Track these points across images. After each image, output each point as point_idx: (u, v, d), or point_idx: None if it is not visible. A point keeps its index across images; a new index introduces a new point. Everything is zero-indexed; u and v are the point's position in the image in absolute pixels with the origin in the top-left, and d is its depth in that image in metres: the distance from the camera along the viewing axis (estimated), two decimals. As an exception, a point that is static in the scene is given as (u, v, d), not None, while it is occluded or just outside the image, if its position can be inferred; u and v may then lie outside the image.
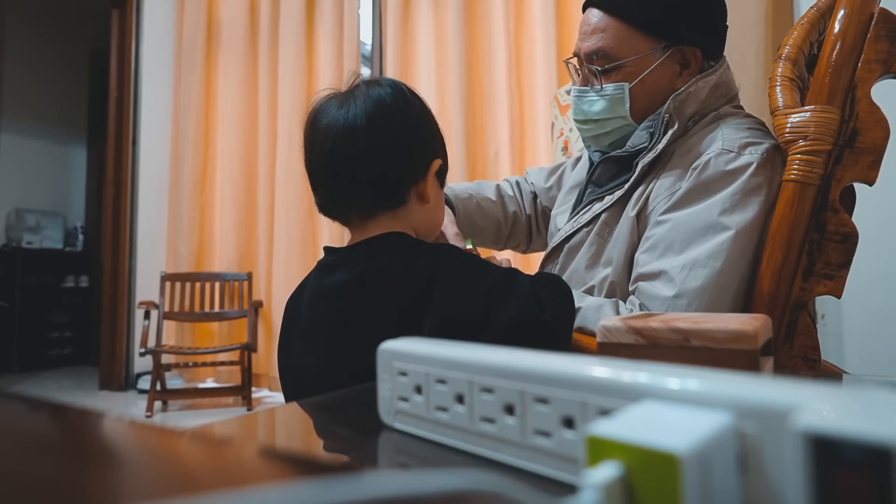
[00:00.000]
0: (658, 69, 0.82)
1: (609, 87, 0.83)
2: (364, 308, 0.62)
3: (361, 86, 0.67)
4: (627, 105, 0.83)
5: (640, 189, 0.81)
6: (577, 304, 0.75)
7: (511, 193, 1.11)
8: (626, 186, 0.81)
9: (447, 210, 0.87)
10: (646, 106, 0.83)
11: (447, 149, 0.72)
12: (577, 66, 0.88)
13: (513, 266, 0.73)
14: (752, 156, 0.74)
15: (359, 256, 0.66)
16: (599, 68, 0.83)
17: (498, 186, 1.10)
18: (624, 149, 0.85)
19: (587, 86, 0.86)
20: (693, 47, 0.82)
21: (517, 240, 1.11)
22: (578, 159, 1.06)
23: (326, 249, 0.69)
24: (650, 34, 0.81)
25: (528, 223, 1.11)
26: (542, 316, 0.58)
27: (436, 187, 0.70)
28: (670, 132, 0.80)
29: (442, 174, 0.71)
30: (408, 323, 0.58)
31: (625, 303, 0.75)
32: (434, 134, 0.70)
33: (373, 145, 0.64)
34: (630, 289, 0.77)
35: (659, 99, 0.82)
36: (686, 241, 0.72)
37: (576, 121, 0.89)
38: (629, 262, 0.79)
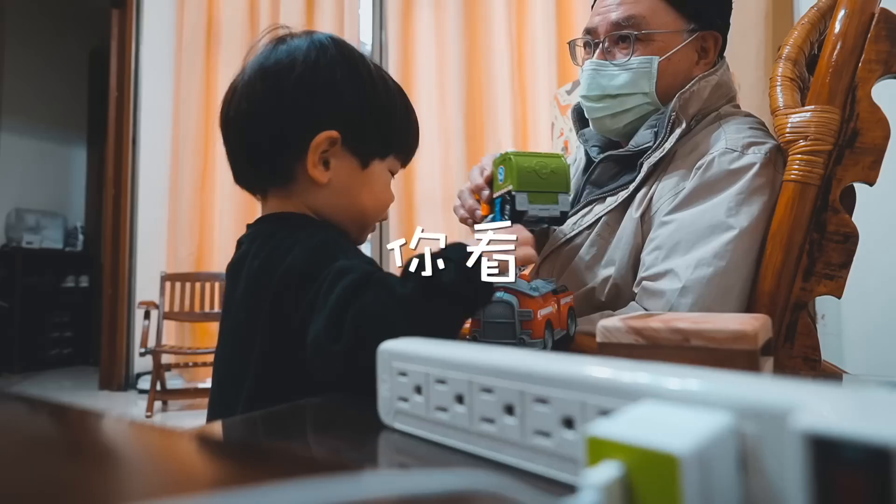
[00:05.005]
0: (683, 51, 0.81)
1: (636, 60, 0.80)
2: (238, 293, 0.58)
3: (280, 42, 0.60)
4: (654, 80, 0.80)
5: (644, 190, 0.80)
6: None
7: None
8: (632, 188, 0.80)
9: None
10: (667, 87, 0.81)
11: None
12: (593, 43, 0.84)
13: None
14: (755, 155, 0.73)
15: (247, 238, 0.61)
16: (636, 32, 0.79)
17: None
18: (626, 148, 0.83)
19: (606, 59, 0.82)
20: (717, 33, 0.82)
21: None
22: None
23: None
24: (681, 12, 0.80)
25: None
26: (334, 344, 0.44)
27: (343, 167, 0.59)
28: (678, 131, 0.78)
29: (359, 147, 0.59)
30: (261, 312, 0.54)
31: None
32: (327, 100, 0.58)
33: (241, 109, 0.59)
34: (634, 290, 0.77)
35: (678, 83, 0.81)
36: (692, 242, 0.72)
37: (588, 98, 0.84)
38: (633, 264, 0.78)
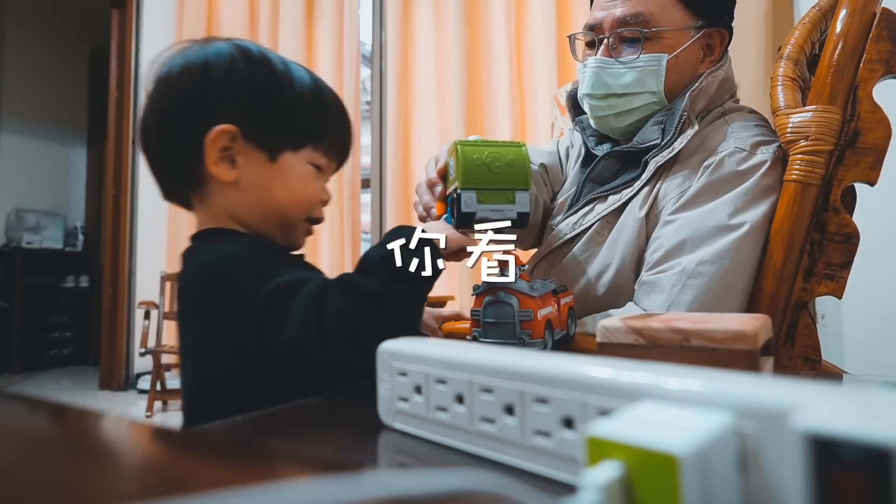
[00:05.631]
0: (690, 48, 0.79)
1: (644, 58, 0.78)
2: (180, 310, 0.59)
3: (178, 52, 0.60)
4: (662, 79, 0.78)
5: (648, 188, 0.78)
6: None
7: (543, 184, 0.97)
8: (637, 185, 0.78)
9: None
10: (673, 85, 0.79)
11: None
12: (597, 39, 0.81)
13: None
14: (764, 155, 0.73)
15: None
16: (644, 30, 0.77)
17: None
18: (631, 144, 0.82)
19: (611, 56, 0.79)
20: (723, 29, 0.81)
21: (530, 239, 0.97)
22: (567, 149, 1.00)
23: None
24: (689, 9, 0.79)
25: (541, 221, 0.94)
26: (322, 352, 0.46)
27: (250, 162, 0.57)
28: (689, 132, 0.76)
29: (263, 139, 0.58)
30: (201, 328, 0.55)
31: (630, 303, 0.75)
32: (218, 96, 0.57)
33: (143, 121, 0.59)
34: (636, 288, 0.76)
35: (684, 81, 0.79)
36: (697, 241, 0.71)
37: (591, 96, 0.81)
38: (636, 263, 0.77)
